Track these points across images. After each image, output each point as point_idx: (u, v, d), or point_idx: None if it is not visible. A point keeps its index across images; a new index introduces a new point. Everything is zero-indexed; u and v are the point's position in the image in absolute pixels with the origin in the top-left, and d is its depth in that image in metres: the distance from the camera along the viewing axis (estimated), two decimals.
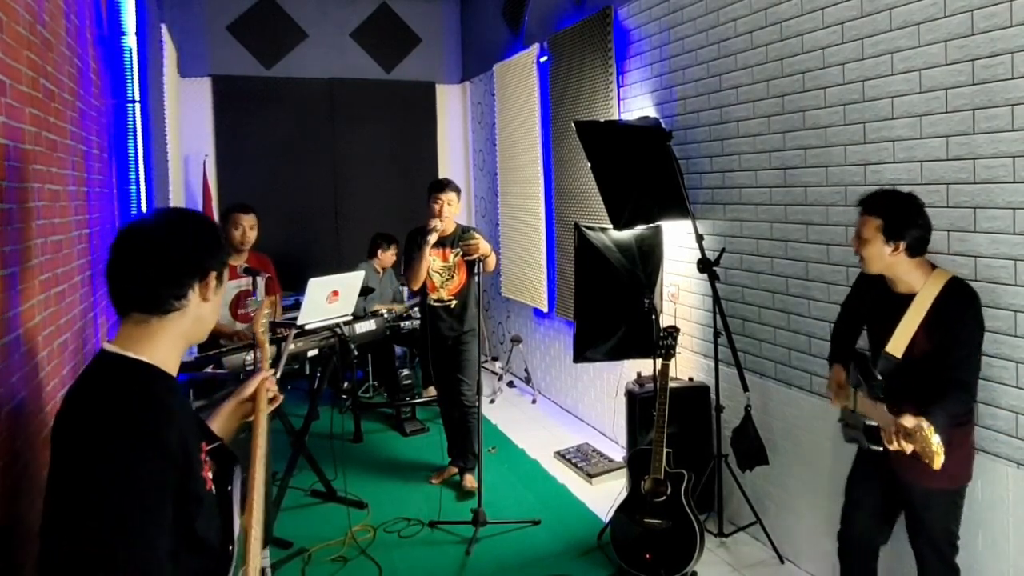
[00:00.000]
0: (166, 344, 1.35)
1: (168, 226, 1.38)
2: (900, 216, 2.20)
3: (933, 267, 2.26)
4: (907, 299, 2.23)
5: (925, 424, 1.96)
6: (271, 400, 1.74)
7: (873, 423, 2.25)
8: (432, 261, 4.13)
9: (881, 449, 2.26)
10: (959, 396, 2.13)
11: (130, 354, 1.30)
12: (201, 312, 1.39)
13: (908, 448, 2.01)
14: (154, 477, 1.21)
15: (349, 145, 6.99)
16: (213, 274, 1.40)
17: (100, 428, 1.20)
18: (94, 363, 1.31)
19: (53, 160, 2.12)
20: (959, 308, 2.16)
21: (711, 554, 3.34)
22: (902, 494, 2.33)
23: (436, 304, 4.17)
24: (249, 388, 1.71)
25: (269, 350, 1.74)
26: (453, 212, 4.11)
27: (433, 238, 3.99)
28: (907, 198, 2.25)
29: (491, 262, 3.94)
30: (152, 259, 1.32)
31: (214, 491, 1.40)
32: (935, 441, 1.93)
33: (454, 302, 4.15)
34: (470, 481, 4.16)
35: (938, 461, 1.93)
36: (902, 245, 2.19)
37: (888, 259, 2.22)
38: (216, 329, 3.60)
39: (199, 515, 1.32)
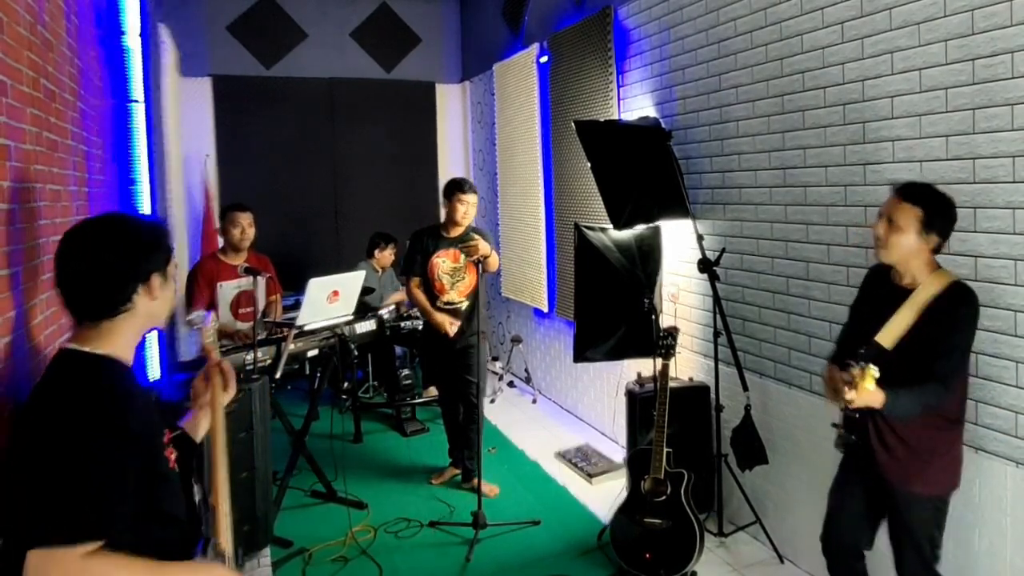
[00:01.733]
0: (121, 339, 1.43)
1: (102, 236, 1.43)
2: (941, 210, 2.15)
3: (938, 266, 2.24)
4: (907, 292, 2.21)
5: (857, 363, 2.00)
6: (226, 388, 1.77)
7: (854, 412, 2.25)
8: (441, 263, 4.03)
9: (855, 439, 2.28)
10: (933, 388, 2.11)
11: (87, 349, 1.38)
12: (152, 309, 1.47)
13: (850, 394, 2.02)
14: (115, 455, 1.29)
15: (349, 145, 6.99)
16: (155, 275, 1.46)
17: (65, 414, 1.28)
18: (55, 361, 1.39)
19: (54, 160, 2.13)
20: (956, 308, 2.14)
21: (711, 554, 3.34)
22: (886, 499, 2.33)
23: (446, 307, 4.04)
24: (200, 387, 1.76)
25: (219, 354, 1.85)
26: (472, 215, 4.03)
27: (450, 329, 3.98)
28: (945, 194, 2.20)
29: (492, 262, 3.90)
30: (89, 271, 1.39)
31: (178, 470, 1.52)
32: (855, 370, 1.98)
33: (465, 303, 4.06)
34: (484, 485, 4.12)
35: (862, 389, 1.98)
36: (934, 239, 2.15)
37: (914, 250, 2.16)
38: (219, 328, 3.62)
39: (167, 494, 1.44)
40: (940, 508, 2.26)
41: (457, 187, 3.99)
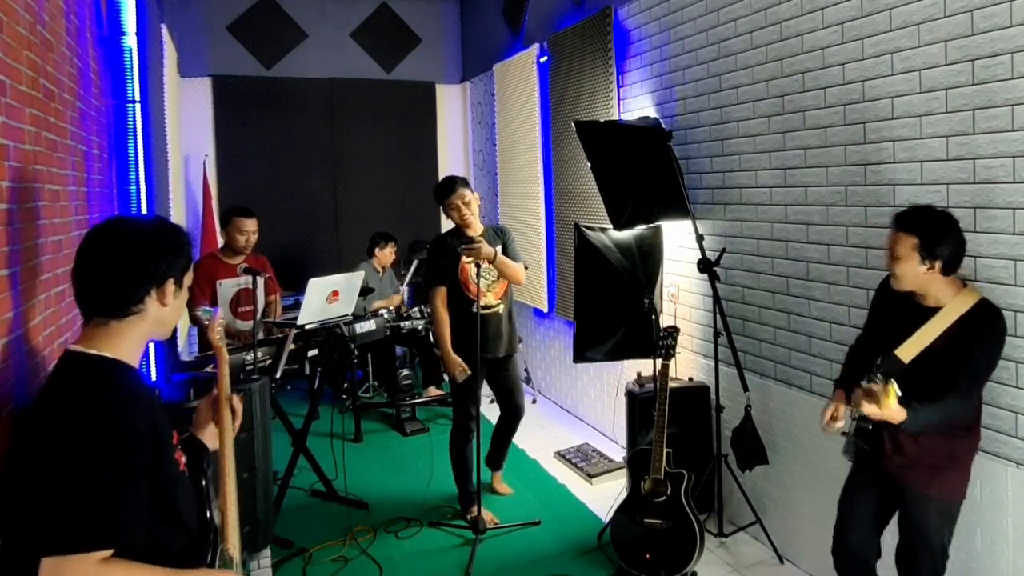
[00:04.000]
0: (127, 342, 1.42)
1: (125, 234, 1.43)
2: (936, 234, 2.11)
3: (964, 284, 2.20)
4: (931, 311, 2.18)
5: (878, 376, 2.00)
6: (233, 415, 1.81)
7: (867, 424, 2.22)
8: (472, 266, 3.56)
9: (867, 448, 2.27)
10: (955, 401, 2.12)
11: (92, 351, 1.37)
12: (161, 315, 1.47)
13: (870, 408, 2.03)
14: (127, 457, 1.28)
15: (349, 145, 6.99)
16: (171, 281, 1.46)
17: (74, 418, 1.27)
18: (60, 363, 1.38)
19: (53, 160, 2.13)
20: (983, 329, 2.11)
21: (711, 554, 3.34)
22: (898, 503, 2.33)
23: (485, 312, 3.62)
24: (204, 416, 1.78)
25: (228, 364, 1.90)
26: (475, 210, 3.65)
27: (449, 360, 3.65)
28: (943, 215, 2.16)
29: (513, 272, 3.64)
30: (108, 266, 1.39)
31: (187, 473, 1.52)
32: (876, 385, 1.97)
33: (501, 306, 3.72)
34: (499, 483, 4.13)
35: (886, 403, 1.97)
36: (938, 265, 2.11)
37: (923, 277, 2.14)
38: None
39: (178, 496, 1.44)
40: (951, 515, 2.27)
41: (443, 194, 3.61)
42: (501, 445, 4.10)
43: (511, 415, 3.94)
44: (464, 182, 3.66)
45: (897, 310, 2.30)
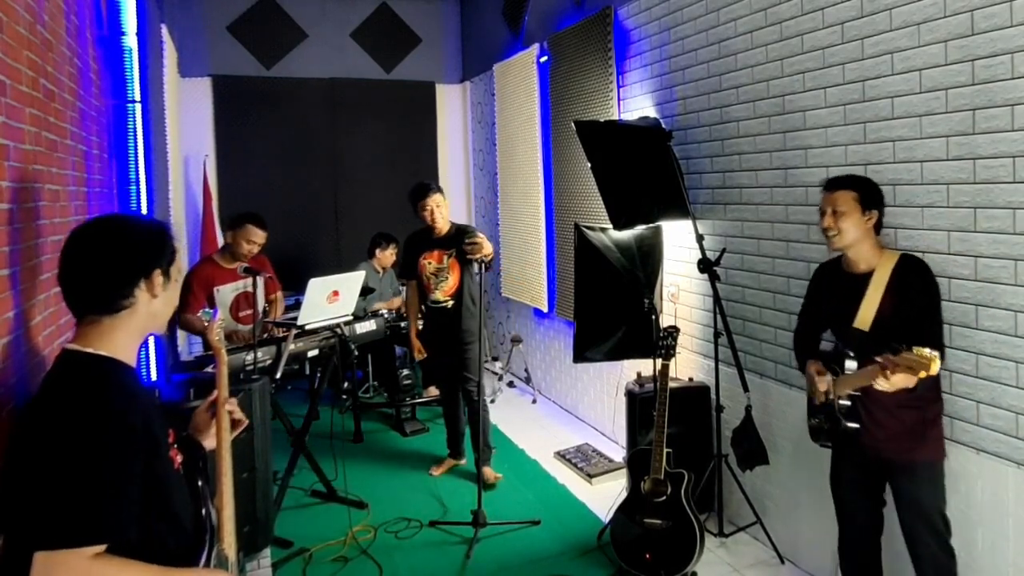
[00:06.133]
0: (122, 339, 1.42)
1: (107, 231, 1.44)
2: (871, 187, 2.40)
3: (883, 247, 2.42)
4: (866, 277, 2.36)
5: (905, 348, 1.99)
6: (235, 423, 1.80)
7: (846, 402, 2.36)
8: (427, 264, 4.15)
9: (857, 426, 2.36)
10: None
11: (89, 350, 1.37)
12: (152, 308, 1.46)
13: (902, 379, 2.02)
14: (121, 455, 1.29)
15: (349, 145, 6.99)
16: (157, 271, 1.45)
17: (69, 415, 1.27)
18: (57, 362, 1.38)
19: (53, 160, 2.13)
20: (917, 278, 2.29)
21: (711, 554, 3.34)
22: (886, 474, 2.39)
23: (433, 306, 4.18)
24: (201, 419, 1.77)
25: (227, 368, 1.86)
26: (445, 213, 4.11)
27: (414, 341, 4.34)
28: (868, 178, 2.45)
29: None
30: (94, 263, 1.40)
31: (182, 472, 1.53)
32: (926, 352, 1.92)
33: (450, 303, 4.13)
34: (490, 475, 4.19)
35: (935, 366, 1.91)
36: (876, 215, 2.37)
37: (862, 230, 2.35)
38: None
39: (173, 492, 1.45)
40: (938, 475, 2.35)
41: (416, 196, 4.07)
42: (455, 432, 4.48)
43: (467, 403, 4.25)
44: (438, 188, 4.12)
45: (835, 289, 2.48)
